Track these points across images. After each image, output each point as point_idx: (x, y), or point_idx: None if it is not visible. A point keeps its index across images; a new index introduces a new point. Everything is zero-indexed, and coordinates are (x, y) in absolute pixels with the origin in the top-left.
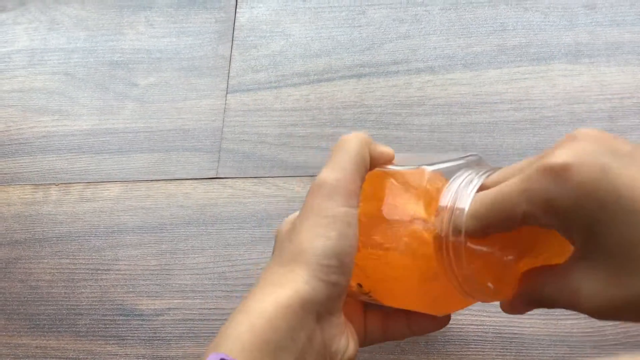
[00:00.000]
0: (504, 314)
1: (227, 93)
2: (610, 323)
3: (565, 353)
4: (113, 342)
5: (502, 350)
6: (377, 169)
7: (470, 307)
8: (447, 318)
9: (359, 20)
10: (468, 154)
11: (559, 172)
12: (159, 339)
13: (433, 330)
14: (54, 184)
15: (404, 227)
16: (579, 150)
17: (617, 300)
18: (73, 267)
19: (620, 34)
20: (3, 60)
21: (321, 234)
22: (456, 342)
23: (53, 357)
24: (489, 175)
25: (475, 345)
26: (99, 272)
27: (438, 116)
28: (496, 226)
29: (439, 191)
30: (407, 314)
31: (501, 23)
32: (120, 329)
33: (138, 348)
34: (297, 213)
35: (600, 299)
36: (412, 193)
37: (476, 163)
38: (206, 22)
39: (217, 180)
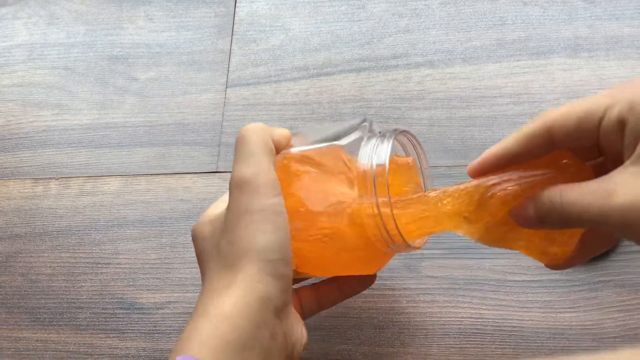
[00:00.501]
0: (504, 307)
1: (226, 87)
2: (609, 316)
3: (564, 346)
4: (113, 335)
5: (501, 344)
6: (284, 153)
7: (469, 300)
8: (373, 277)
9: (358, 14)
10: (358, 120)
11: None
12: (159, 332)
13: (362, 289)
14: (54, 178)
15: (332, 210)
16: None
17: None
18: (73, 261)
19: (620, 27)
20: (3, 54)
21: (258, 229)
22: (455, 335)
23: (54, 351)
24: (396, 135)
25: (474, 338)
26: (99, 265)
27: (437, 110)
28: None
29: (353, 162)
30: (336, 280)
31: (500, 17)
32: (120, 323)
33: (138, 341)
34: (210, 212)
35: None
36: (332, 173)
37: (370, 128)
38: (206, 16)
39: (217, 174)
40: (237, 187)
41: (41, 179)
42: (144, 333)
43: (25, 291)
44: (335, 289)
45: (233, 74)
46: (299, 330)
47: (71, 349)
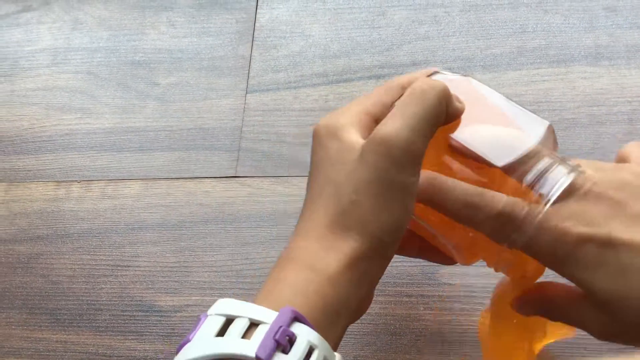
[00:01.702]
0: None
1: (246, 93)
2: None
3: (583, 355)
4: (132, 337)
5: None
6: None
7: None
8: (453, 261)
9: (378, 21)
10: (544, 124)
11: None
12: (177, 335)
13: (440, 261)
14: (76, 181)
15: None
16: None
17: (618, 339)
18: (93, 263)
19: None
20: (27, 59)
21: (386, 207)
22: (472, 343)
23: (73, 352)
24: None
25: None
26: (118, 268)
27: None
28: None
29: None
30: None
31: (521, 25)
32: (139, 325)
33: (156, 344)
34: (350, 133)
35: (604, 335)
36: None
37: (550, 143)
38: (227, 22)
39: (236, 179)
40: (382, 146)
41: (63, 181)
42: (162, 336)
43: (46, 292)
44: (416, 245)
45: (253, 79)
46: (370, 302)
47: (90, 350)
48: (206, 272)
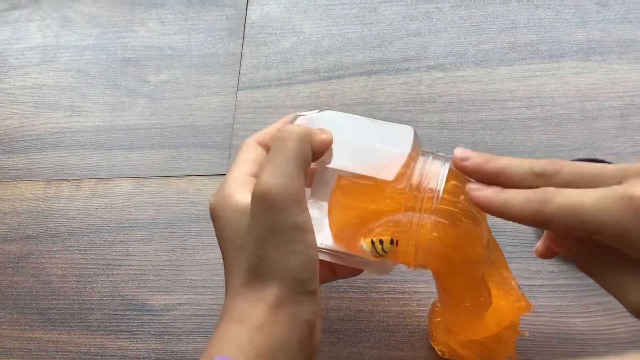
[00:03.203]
0: None
1: (237, 90)
2: (621, 322)
3: (576, 351)
4: (124, 336)
5: None
6: (326, 168)
7: None
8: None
9: (369, 17)
10: (408, 129)
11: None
12: (169, 334)
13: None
14: (66, 179)
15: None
16: None
17: None
18: (84, 262)
19: (632, 31)
20: (16, 57)
21: (289, 250)
22: None
23: (64, 352)
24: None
25: None
26: (110, 267)
27: (448, 113)
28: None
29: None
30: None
31: (512, 20)
32: (131, 324)
33: (149, 343)
34: (231, 194)
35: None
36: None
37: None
38: (217, 19)
39: None
40: (263, 199)
41: (53, 180)
42: (154, 335)
43: (36, 292)
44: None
45: (244, 76)
46: (319, 335)
47: (82, 350)
48: (198, 270)
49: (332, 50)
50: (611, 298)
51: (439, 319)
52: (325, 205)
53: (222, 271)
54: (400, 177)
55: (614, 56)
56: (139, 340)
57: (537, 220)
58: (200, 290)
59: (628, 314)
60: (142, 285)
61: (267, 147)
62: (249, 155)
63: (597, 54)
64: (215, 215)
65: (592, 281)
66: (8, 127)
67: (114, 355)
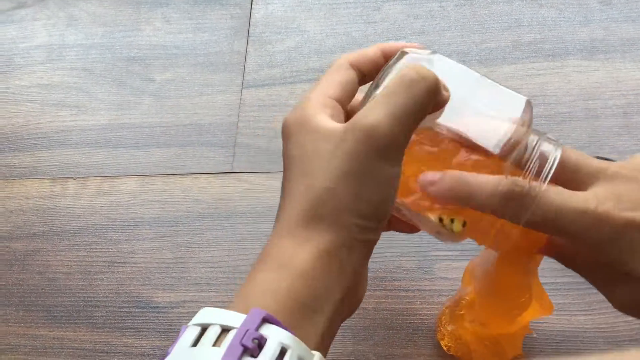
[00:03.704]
0: None
1: (242, 88)
2: (624, 319)
3: (578, 348)
4: (129, 334)
5: None
6: (435, 124)
7: None
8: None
9: (373, 16)
10: (522, 99)
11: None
12: (174, 331)
13: (407, 231)
14: (71, 177)
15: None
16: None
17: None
18: (90, 260)
19: (636, 30)
20: (22, 55)
21: (365, 197)
22: None
23: (70, 349)
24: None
25: None
26: (115, 264)
27: None
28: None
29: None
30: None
31: (516, 19)
32: (136, 321)
33: (154, 340)
34: (318, 119)
35: (626, 308)
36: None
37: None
38: (222, 18)
39: (232, 174)
40: (364, 135)
41: (59, 178)
42: (159, 332)
43: (42, 289)
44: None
45: (249, 75)
46: (364, 289)
47: (87, 347)
48: (203, 268)
49: (336, 49)
50: None
51: (462, 312)
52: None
53: (227, 269)
54: (506, 150)
55: (617, 55)
56: (144, 337)
57: (516, 221)
58: (205, 287)
59: None
60: (147, 282)
61: (359, 72)
62: (337, 76)
63: (600, 52)
64: (288, 133)
65: None
66: (14, 125)
67: (119, 352)
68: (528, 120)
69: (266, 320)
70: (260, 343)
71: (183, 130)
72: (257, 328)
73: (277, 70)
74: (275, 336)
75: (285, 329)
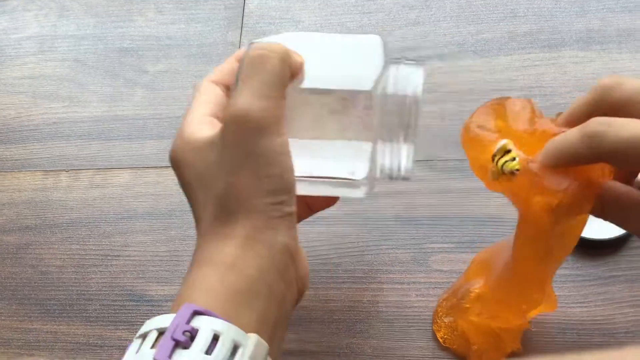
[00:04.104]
0: None
1: None
2: (620, 311)
3: (575, 341)
4: (123, 327)
5: None
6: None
7: None
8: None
9: (368, 6)
10: (375, 38)
11: None
12: None
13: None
14: (64, 170)
15: None
16: None
17: None
18: (83, 253)
19: (632, 20)
20: (13, 47)
21: (264, 174)
22: None
23: (63, 342)
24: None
25: None
26: (108, 258)
27: (448, 103)
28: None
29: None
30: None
31: (512, 9)
32: (130, 315)
33: None
34: (189, 135)
35: None
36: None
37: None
38: (215, 8)
39: None
40: (237, 120)
41: (51, 171)
42: None
43: (35, 283)
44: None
45: None
46: (306, 265)
47: (81, 341)
48: None
49: None
50: (610, 288)
51: (468, 305)
52: (297, 131)
53: None
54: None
55: (613, 45)
56: (138, 330)
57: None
58: None
59: (627, 304)
60: (140, 276)
61: (224, 86)
62: (206, 97)
63: (596, 43)
64: (176, 161)
65: (591, 271)
66: (5, 117)
67: (112, 346)
68: (388, 52)
69: (198, 313)
70: (192, 335)
71: (176, 122)
72: (188, 321)
73: None
74: (206, 325)
75: (217, 316)
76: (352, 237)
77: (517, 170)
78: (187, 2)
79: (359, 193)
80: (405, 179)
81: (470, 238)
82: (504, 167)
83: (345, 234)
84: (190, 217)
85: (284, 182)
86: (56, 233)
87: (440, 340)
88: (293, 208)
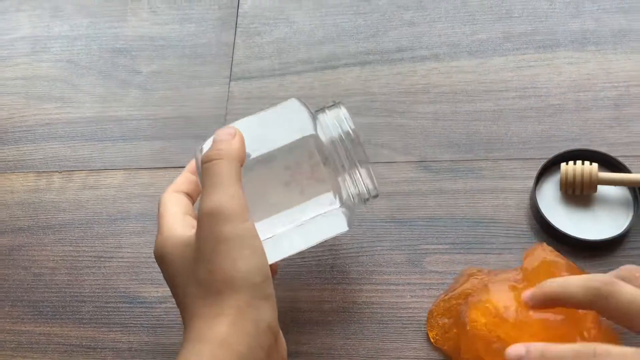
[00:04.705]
0: None
1: (230, 80)
2: None
3: None
4: (116, 329)
5: None
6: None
7: None
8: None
9: (363, 7)
10: (288, 102)
11: None
12: (162, 327)
13: None
14: (57, 171)
15: None
16: None
17: None
18: (76, 255)
19: (627, 21)
20: (6, 47)
21: (238, 256)
22: None
23: (56, 344)
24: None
25: None
26: (102, 259)
27: (443, 104)
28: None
29: None
30: None
31: (507, 10)
32: (123, 316)
33: (141, 335)
34: (169, 234)
35: None
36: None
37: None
38: (209, 8)
39: None
40: (208, 216)
41: (44, 172)
42: (146, 327)
43: (28, 284)
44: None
45: (237, 67)
46: (285, 347)
47: (74, 343)
48: None
49: (325, 41)
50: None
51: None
52: (254, 200)
53: None
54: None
55: (608, 46)
56: (132, 332)
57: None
58: None
59: None
60: (134, 277)
61: (185, 193)
62: (175, 201)
63: (591, 44)
64: (160, 256)
65: (588, 272)
66: None
67: (106, 348)
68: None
69: None
70: None
71: (170, 123)
72: None
73: (266, 62)
74: None
75: None
76: (347, 239)
77: None
78: (180, 2)
79: (343, 224)
80: (374, 197)
81: (465, 239)
82: None
83: (340, 235)
84: None
85: (258, 261)
86: (49, 234)
87: (432, 340)
88: (271, 290)
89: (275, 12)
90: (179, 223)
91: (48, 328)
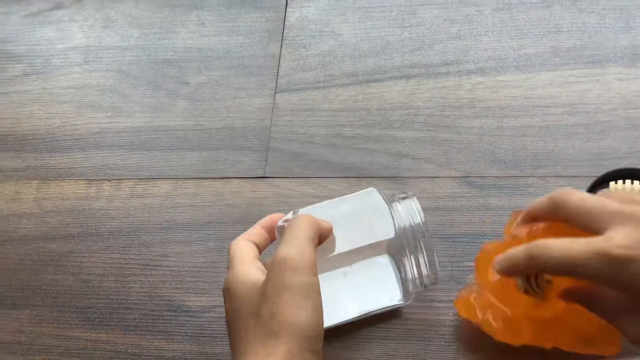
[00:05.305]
0: None
1: (275, 92)
2: None
3: None
4: (160, 337)
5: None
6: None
7: None
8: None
9: (409, 20)
10: (367, 192)
11: (620, 263)
12: (205, 336)
13: None
14: (106, 179)
15: None
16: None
17: None
18: (123, 262)
19: None
20: (59, 57)
21: (300, 305)
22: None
23: (102, 350)
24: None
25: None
26: (148, 267)
27: (488, 119)
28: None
29: None
30: None
31: (555, 24)
32: (168, 325)
33: (185, 344)
34: (242, 274)
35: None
36: None
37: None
38: (256, 21)
39: (265, 179)
40: (280, 263)
41: (94, 180)
42: (190, 336)
43: (76, 291)
44: None
45: (282, 79)
46: None
47: (119, 349)
48: None
49: (370, 54)
50: None
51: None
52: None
53: None
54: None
55: None
56: (176, 341)
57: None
58: None
59: None
60: (179, 286)
61: (254, 243)
62: (246, 248)
63: None
64: (228, 289)
65: None
66: (50, 126)
67: (150, 356)
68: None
69: None
70: None
71: (216, 134)
72: None
73: (311, 74)
74: None
75: None
76: None
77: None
78: (228, 14)
79: (401, 303)
80: (434, 283)
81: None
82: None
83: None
84: (227, 228)
85: (315, 316)
86: (97, 242)
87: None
88: (321, 345)
89: (321, 24)
90: (249, 264)
91: (95, 334)
